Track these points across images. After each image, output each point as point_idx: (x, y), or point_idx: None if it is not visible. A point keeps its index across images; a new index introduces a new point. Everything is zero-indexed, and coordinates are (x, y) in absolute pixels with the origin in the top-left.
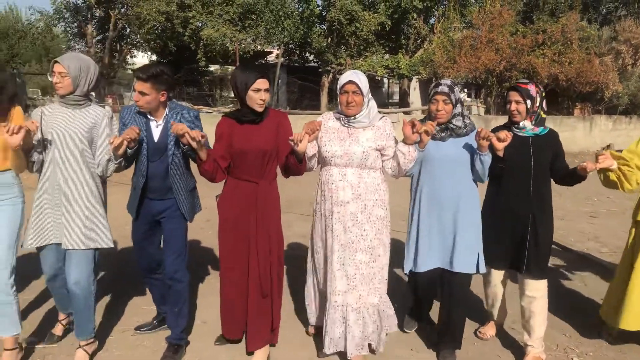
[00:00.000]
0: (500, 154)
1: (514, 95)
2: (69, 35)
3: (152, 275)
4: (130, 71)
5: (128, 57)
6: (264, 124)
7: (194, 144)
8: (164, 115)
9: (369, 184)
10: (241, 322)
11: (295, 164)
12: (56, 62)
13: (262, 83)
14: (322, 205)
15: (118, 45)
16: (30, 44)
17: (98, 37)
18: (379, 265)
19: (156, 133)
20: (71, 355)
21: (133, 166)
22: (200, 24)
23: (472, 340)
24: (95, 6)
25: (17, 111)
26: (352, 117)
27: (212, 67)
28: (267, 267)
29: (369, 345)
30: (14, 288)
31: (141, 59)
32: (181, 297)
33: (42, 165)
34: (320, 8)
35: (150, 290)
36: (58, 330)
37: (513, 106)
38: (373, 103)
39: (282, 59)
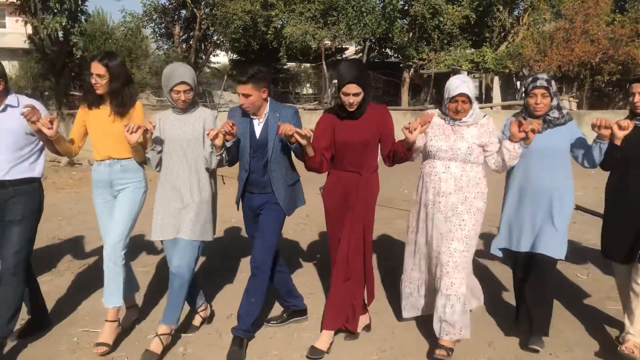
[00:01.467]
0: (618, 142)
1: (638, 87)
2: (157, 36)
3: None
4: (207, 69)
5: (211, 56)
6: (364, 117)
7: (303, 142)
8: (265, 112)
9: (471, 177)
10: (342, 309)
11: (403, 152)
12: (183, 82)
13: (350, 88)
14: (424, 195)
15: (202, 45)
16: (114, 45)
17: (183, 37)
18: (471, 254)
19: (258, 130)
20: (211, 344)
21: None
22: (282, 22)
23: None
24: (183, 7)
25: (137, 107)
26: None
27: (288, 65)
28: (358, 253)
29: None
30: (124, 261)
31: (222, 58)
32: (260, 290)
33: (161, 165)
34: (402, 2)
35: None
36: (197, 321)
37: (637, 98)
38: (476, 103)
39: (365, 56)
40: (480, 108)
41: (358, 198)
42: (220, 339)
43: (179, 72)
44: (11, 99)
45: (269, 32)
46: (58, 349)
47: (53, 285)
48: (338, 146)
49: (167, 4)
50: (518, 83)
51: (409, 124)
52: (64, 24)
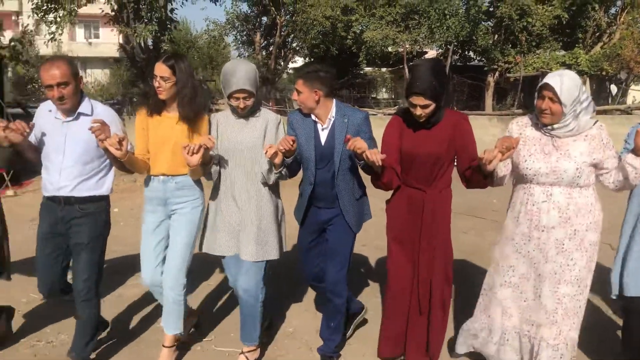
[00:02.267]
0: None
1: None
2: (238, 43)
3: (318, 283)
4: (284, 75)
5: (290, 62)
6: (438, 127)
7: (371, 162)
8: (330, 117)
9: (581, 204)
10: (397, 340)
11: (479, 180)
12: (241, 90)
13: (418, 100)
14: (514, 227)
15: (282, 51)
16: (197, 53)
17: (263, 44)
18: (585, 296)
19: (323, 137)
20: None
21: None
22: (362, 27)
23: None
24: (264, 14)
25: (205, 121)
26: (551, 126)
27: (364, 70)
28: (427, 283)
29: None
30: (185, 289)
31: (300, 64)
32: (339, 313)
33: (218, 175)
34: (487, 4)
35: (320, 297)
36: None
37: None
38: (585, 109)
39: (449, 59)
40: None
41: (424, 221)
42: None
43: (237, 78)
44: (85, 106)
45: (349, 37)
46: None
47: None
48: (404, 157)
49: (249, 11)
50: (612, 86)
51: (484, 152)
52: (154, 32)
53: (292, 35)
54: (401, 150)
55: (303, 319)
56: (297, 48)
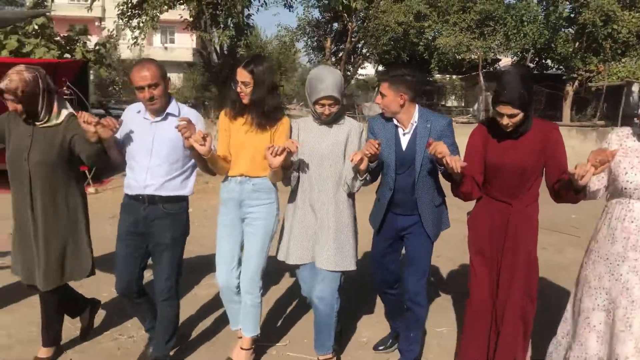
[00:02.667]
0: None
1: None
2: (309, 49)
3: (388, 290)
4: (353, 81)
5: (360, 68)
6: (526, 137)
7: (451, 169)
8: (411, 122)
9: None
10: (481, 353)
11: (570, 195)
12: (329, 96)
13: (505, 109)
14: (608, 245)
15: (352, 57)
16: (266, 58)
17: (334, 50)
18: None
19: (404, 142)
20: None
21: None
22: (434, 33)
23: None
24: (335, 20)
25: (284, 123)
26: None
27: (434, 77)
28: (503, 302)
29: None
30: (261, 291)
31: (368, 70)
32: (418, 323)
33: (297, 181)
34: (569, 10)
35: (385, 305)
36: None
37: None
38: None
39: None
40: None
41: (508, 236)
42: None
43: (325, 85)
44: (172, 107)
45: (421, 43)
46: None
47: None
48: (488, 168)
49: (320, 18)
50: None
51: (576, 167)
52: (232, 37)
53: (363, 41)
54: (485, 160)
55: (375, 330)
56: (367, 54)
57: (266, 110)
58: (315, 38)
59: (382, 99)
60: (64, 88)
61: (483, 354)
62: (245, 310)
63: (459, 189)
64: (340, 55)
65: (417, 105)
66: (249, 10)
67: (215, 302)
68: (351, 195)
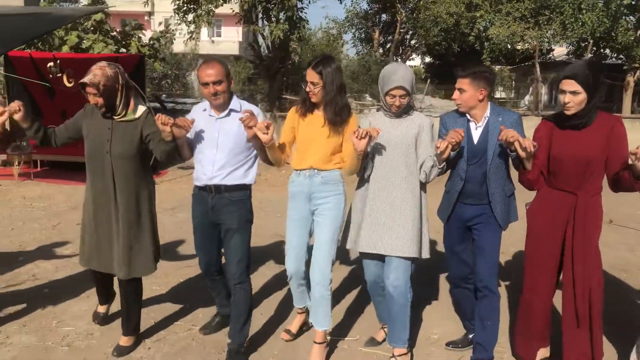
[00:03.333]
0: None
1: None
2: (356, 41)
3: (463, 284)
4: None
5: (408, 60)
6: (591, 129)
7: (523, 154)
8: (484, 116)
9: None
10: (534, 347)
11: (630, 181)
12: (400, 87)
13: (567, 84)
14: None
15: (400, 48)
16: (311, 50)
17: (381, 41)
18: None
19: (476, 135)
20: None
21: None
22: (486, 23)
23: None
24: (383, 11)
25: (353, 120)
26: None
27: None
28: (585, 292)
29: None
30: (331, 282)
31: (416, 61)
32: (494, 311)
33: (370, 171)
34: None
35: (459, 302)
36: (379, 336)
37: None
38: None
39: (588, 56)
40: None
41: (575, 226)
42: None
43: (398, 76)
44: (234, 103)
45: (472, 34)
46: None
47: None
48: (553, 160)
49: (368, 9)
50: None
51: (638, 147)
52: (285, 31)
53: (411, 32)
54: (550, 153)
55: (446, 326)
56: (416, 45)
57: (337, 110)
58: (363, 30)
59: (461, 95)
60: None
61: (536, 349)
62: (316, 302)
63: (526, 176)
64: (388, 46)
65: (489, 101)
66: (302, 2)
67: (281, 292)
68: (422, 186)
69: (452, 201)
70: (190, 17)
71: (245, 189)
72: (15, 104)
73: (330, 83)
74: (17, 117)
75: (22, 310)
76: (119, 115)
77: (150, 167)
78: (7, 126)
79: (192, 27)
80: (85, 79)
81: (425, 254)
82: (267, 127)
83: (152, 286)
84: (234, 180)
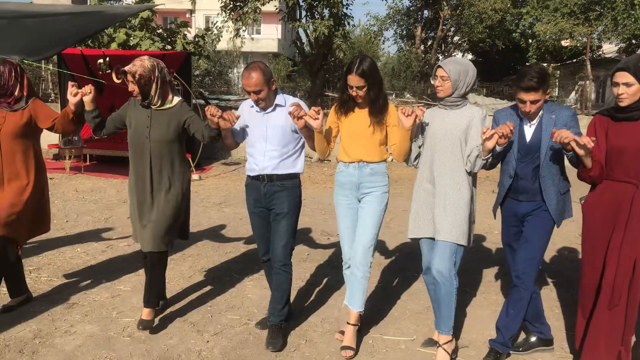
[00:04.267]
0: None
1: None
2: (397, 37)
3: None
4: None
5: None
6: None
7: (581, 152)
8: (539, 114)
9: None
10: (579, 333)
11: None
12: (439, 66)
13: (620, 76)
14: None
15: (442, 45)
16: (350, 48)
17: (423, 38)
18: None
19: (528, 133)
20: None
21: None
22: (533, 20)
23: None
24: (426, 7)
25: (391, 110)
26: None
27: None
28: (626, 276)
29: None
30: (370, 267)
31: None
32: (520, 303)
33: (419, 160)
34: None
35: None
36: (437, 336)
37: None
38: None
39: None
40: None
41: (632, 215)
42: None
43: (445, 60)
44: (279, 99)
45: (517, 30)
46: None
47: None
48: (610, 152)
49: (410, 5)
50: None
51: None
52: (330, 27)
53: (454, 29)
54: (608, 145)
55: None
56: (459, 42)
57: (379, 107)
58: (405, 26)
59: (535, 105)
60: (172, 79)
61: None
62: (355, 282)
63: (588, 173)
64: (429, 43)
65: None
66: None
67: (315, 279)
68: (471, 177)
69: (500, 197)
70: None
71: (295, 177)
72: (87, 87)
73: (373, 85)
74: (86, 98)
75: (82, 300)
76: (155, 105)
77: (186, 154)
78: (87, 106)
79: (238, 24)
80: (125, 68)
81: (465, 241)
82: (318, 112)
83: (205, 280)
84: (284, 169)
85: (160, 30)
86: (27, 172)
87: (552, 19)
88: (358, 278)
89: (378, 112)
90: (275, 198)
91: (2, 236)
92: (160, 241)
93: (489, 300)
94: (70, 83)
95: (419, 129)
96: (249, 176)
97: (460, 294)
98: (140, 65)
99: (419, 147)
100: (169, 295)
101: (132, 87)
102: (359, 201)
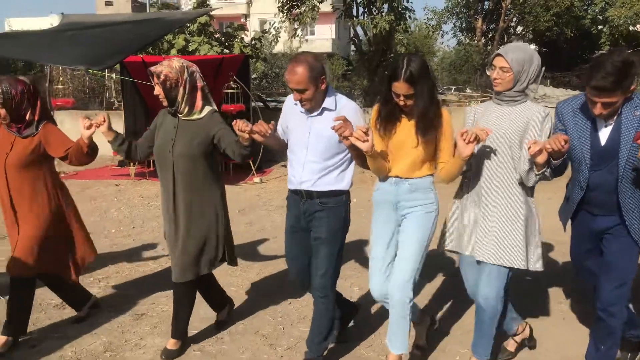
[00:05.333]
0: None
1: None
2: (456, 30)
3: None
4: None
5: None
6: None
7: None
8: (618, 112)
9: None
10: None
11: None
12: (499, 54)
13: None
14: None
15: (505, 37)
16: (405, 44)
17: (483, 30)
18: None
19: (603, 135)
20: None
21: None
22: (604, 5)
23: None
24: None
25: (445, 118)
26: None
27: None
28: None
29: None
30: (412, 303)
31: None
32: (611, 337)
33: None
34: None
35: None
36: (510, 346)
37: None
38: None
39: None
40: None
41: None
42: None
43: (504, 48)
44: (329, 101)
45: (587, 16)
46: None
47: None
48: None
49: None
50: None
51: None
52: (390, 22)
53: (516, 19)
54: None
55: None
56: (523, 33)
57: (429, 119)
58: (464, 19)
59: (610, 107)
60: (231, 82)
61: None
62: (393, 322)
63: None
64: (490, 35)
65: None
66: None
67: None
68: (528, 187)
69: (570, 211)
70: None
71: (340, 194)
72: (101, 117)
73: (422, 93)
74: (102, 129)
75: (150, 310)
76: (182, 113)
77: (219, 168)
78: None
79: (296, 24)
80: (152, 68)
81: (520, 263)
82: (366, 133)
83: (273, 288)
84: (326, 186)
85: (218, 35)
86: (39, 209)
87: (626, 2)
88: (396, 317)
89: (427, 127)
90: (314, 219)
91: (29, 277)
92: (186, 271)
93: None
94: (81, 117)
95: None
96: (289, 189)
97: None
98: (167, 65)
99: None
100: (237, 303)
101: (158, 90)
102: (400, 224)
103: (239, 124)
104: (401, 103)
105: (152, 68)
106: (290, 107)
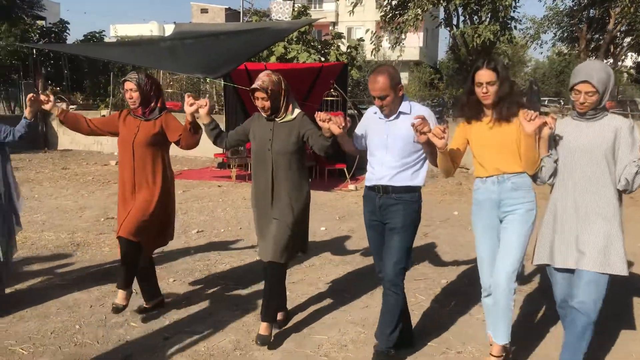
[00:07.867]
0: None
1: None
2: (557, 40)
3: None
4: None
5: (619, 60)
6: None
7: None
8: None
9: None
10: None
11: None
12: (586, 82)
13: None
14: None
15: (611, 47)
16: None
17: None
18: None
19: None
20: None
21: None
22: None
23: None
24: (592, 6)
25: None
26: None
27: None
28: None
29: None
30: (515, 294)
31: (627, 62)
32: None
33: (555, 177)
34: None
35: None
36: None
37: None
38: None
39: None
40: None
41: None
42: None
43: (585, 71)
44: (405, 106)
45: None
46: None
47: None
48: None
49: (573, 5)
50: None
51: None
52: (495, 32)
53: (625, 28)
54: None
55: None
56: (632, 43)
57: (509, 105)
58: (566, 28)
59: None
60: (331, 90)
61: None
62: (497, 311)
63: None
64: (593, 46)
65: None
66: (516, 1)
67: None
68: (619, 197)
69: None
70: (402, 19)
71: (414, 190)
72: (204, 100)
73: (505, 78)
74: (202, 111)
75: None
76: (280, 117)
77: (306, 167)
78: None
79: (397, 33)
80: (256, 84)
81: (622, 271)
82: (443, 131)
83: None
84: (402, 182)
85: (315, 43)
86: (154, 182)
87: None
88: (501, 308)
89: (506, 111)
90: (390, 212)
91: (135, 241)
92: (281, 253)
93: None
94: (187, 94)
95: (551, 142)
96: (366, 187)
97: None
98: (269, 80)
99: (554, 161)
100: (359, 314)
101: (263, 104)
102: (501, 221)
103: (321, 115)
104: (483, 91)
105: (257, 85)
106: (370, 116)
